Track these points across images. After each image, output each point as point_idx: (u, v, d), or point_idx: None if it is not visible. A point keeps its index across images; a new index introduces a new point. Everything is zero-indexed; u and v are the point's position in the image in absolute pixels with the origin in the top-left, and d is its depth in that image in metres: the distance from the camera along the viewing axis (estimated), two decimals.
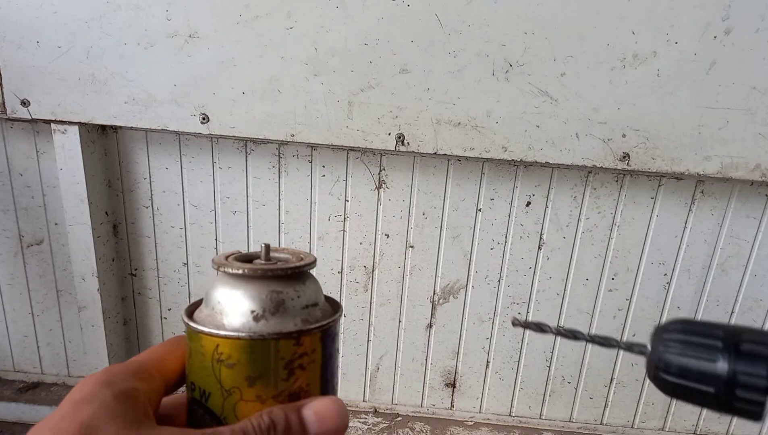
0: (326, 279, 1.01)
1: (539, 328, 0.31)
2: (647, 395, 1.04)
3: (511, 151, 0.83)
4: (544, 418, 1.07)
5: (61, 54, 0.83)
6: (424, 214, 0.96)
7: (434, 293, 1.01)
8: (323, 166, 0.94)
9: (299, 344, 0.26)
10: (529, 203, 0.94)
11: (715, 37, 0.76)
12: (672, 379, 0.27)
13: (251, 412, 0.25)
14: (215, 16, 0.80)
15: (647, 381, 1.03)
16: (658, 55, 0.77)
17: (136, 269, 1.03)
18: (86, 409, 0.22)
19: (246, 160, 0.94)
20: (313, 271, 0.30)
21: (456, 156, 0.85)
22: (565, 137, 0.82)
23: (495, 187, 0.93)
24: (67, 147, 0.89)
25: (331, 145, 0.85)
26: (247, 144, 0.93)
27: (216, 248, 1.00)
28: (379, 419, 1.06)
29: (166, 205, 0.98)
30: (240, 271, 0.27)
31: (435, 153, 0.84)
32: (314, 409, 0.26)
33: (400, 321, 1.03)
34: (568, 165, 0.84)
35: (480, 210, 0.95)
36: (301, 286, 0.28)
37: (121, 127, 0.91)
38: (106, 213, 0.98)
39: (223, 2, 0.79)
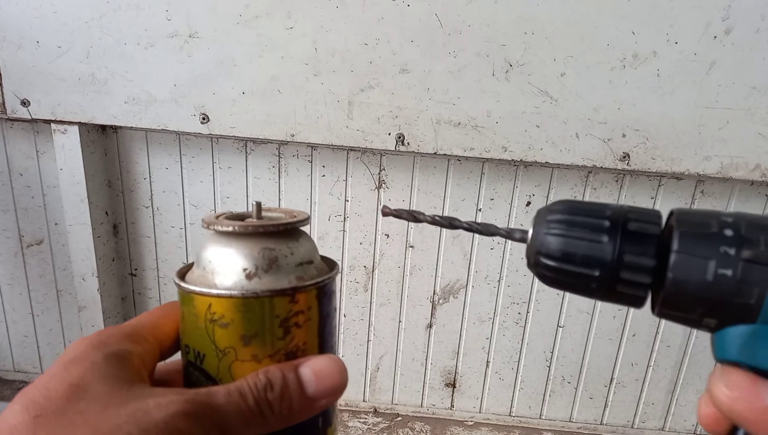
0: None
1: (413, 216, 0.29)
2: (647, 395, 1.04)
3: (511, 151, 0.83)
4: (544, 418, 1.07)
5: (61, 54, 0.83)
6: None
7: (434, 293, 1.01)
8: (323, 166, 0.94)
9: (294, 301, 0.26)
10: (529, 203, 0.94)
11: (715, 37, 0.76)
12: (554, 264, 0.25)
13: (247, 372, 0.25)
14: (215, 16, 0.80)
15: (647, 381, 1.03)
16: (658, 55, 0.77)
17: (136, 269, 1.03)
18: (76, 370, 0.22)
19: (246, 160, 0.94)
20: (306, 229, 0.30)
21: (456, 156, 0.85)
22: (565, 137, 0.82)
23: (495, 187, 0.93)
24: (67, 147, 0.89)
25: (331, 145, 0.85)
26: (247, 144, 0.93)
27: None
28: (379, 419, 1.06)
29: (166, 205, 0.98)
30: (230, 229, 0.26)
31: (435, 153, 0.84)
32: (312, 368, 0.25)
33: (400, 321, 1.03)
34: (568, 165, 0.84)
35: (480, 210, 0.95)
36: (295, 244, 0.27)
37: (121, 127, 0.91)
38: (106, 213, 0.98)
39: (223, 2, 0.79)
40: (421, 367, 1.06)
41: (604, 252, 0.24)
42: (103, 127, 0.93)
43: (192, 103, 0.84)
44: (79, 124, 0.87)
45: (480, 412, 1.08)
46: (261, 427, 0.24)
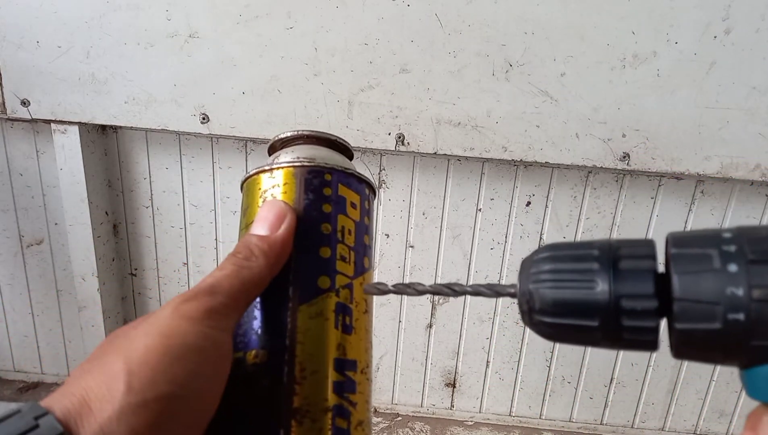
0: None
1: (408, 289, 0.27)
2: (647, 395, 1.04)
3: (511, 151, 0.83)
4: (544, 418, 1.07)
5: (61, 54, 0.83)
6: (424, 214, 0.96)
7: None
8: None
9: (272, 177, 0.29)
10: (529, 203, 0.94)
11: (715, 37, 0.76)
12: (548, 319, 0.22)
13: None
14: (215, 16, 0.80)
15: (647, 381, 1.03)
16: (658, 55, 0.77)
17: (136, 269, 1.03)
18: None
19: (246, 160, 0.94)
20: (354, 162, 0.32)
21: (456, 156, 0.85)
22: (565, 137, 0.82)
23: (495, 187, 0.93)
24: (67, 147, 0.89)
25: None
26: (247, 144, 0.93)
27: (216, 248, 1.00)
28: (379, 419, 1.06)
29: (166, 205, 0.98)
30: (273, 138, 0.32)
31: (435, 153, 0.84)
32: (254, 219, 0.28)
33: (400, 321, 1.03)
34: (568, 165, 0.84)
35: (480, 210, 0.95)
36: (308, 148, 0.30)
37: (121, 127, 0.91)
38: (106, 213, 0.98)
39: (223, 2, 0.79)
40: (421, 367, 1.06)
41: (599, 298, 0.21)
42: (103, 127, 0.93)
43: (192, 103, 0.84)
44: (79, 124, 0.87)
45: (480, 412, 1.08)
46: (254, 277, 0.26)
